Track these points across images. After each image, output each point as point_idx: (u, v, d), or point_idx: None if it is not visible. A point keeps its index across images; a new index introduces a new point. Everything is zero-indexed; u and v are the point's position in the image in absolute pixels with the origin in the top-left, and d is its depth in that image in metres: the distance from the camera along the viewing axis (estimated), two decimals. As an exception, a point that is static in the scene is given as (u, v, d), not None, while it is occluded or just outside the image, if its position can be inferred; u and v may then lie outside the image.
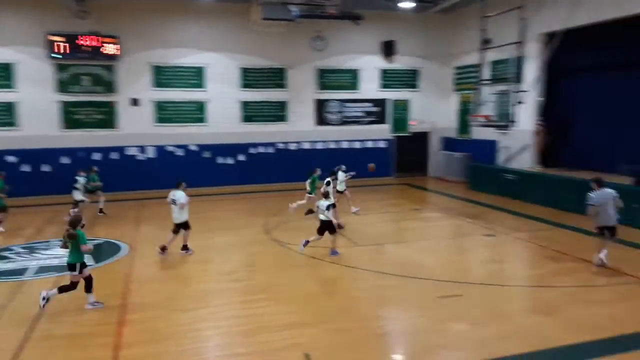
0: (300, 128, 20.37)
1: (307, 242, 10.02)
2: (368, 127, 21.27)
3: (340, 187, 13.49)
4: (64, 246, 7.38)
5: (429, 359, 5.78)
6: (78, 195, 13.32)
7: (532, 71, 15.91)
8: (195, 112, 19.02)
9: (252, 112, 19.71)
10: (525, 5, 12.41)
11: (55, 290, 7.27)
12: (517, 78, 12.84)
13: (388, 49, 20.76)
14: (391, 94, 21.42)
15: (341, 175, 13.55)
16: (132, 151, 18.40)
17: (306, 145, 20.48)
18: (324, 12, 17.39)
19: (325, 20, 18.98)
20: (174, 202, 10.00)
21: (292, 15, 16.80)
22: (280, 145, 20.13)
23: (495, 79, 15.43)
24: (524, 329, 6.52)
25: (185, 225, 10.13)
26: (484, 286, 8.21)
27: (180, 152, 18.91)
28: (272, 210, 14.58)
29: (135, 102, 18.23)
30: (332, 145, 20.82)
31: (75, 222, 7.26)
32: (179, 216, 10.01)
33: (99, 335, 6.47)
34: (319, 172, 13.64)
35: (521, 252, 10.63)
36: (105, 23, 17.49)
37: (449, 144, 21.69)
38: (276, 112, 20.03)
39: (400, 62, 21.28)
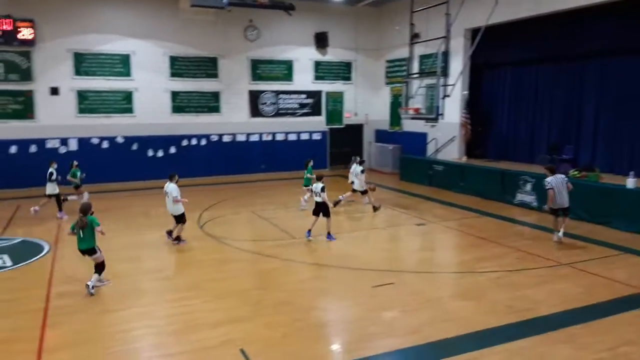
0: (234, 120, 20.03)
1: (309, 230, 10.50)
2: (303, 119, 21.29)
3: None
4: (73, 233, 7.63)
5: (362, 347, 5.87)
6: (54, 189, 12.64)
7: (458, 65, 16.57)
8: (122, 102, 18.15)
9: (183, 103, 19.10)
10: (450, 1, 12.85)
11: (95, 276, 7.59)
12: (444, 72, 13.31)
13: (321, 41, 20.83)
14: (325, 86, 21.55)
15: (354, 167, 13.89)
16: (52, 144, 17.27)
17: (241, 138, 20.19)
18: (255, 1, 17.13)
19: (257, 10, 18.74)
20: (167, 194, 10.12)
21: (222, 2, 16.39)
22: (214, 138, 19.70)
23: (424, 73, 15.92)
24: (453, 313, 6.80)
25: (178, 219, 10.15)
26: (416, 274, 8.48)
27: (105, 145, 18.00)
28: (205, 204, 14.25)
29: (54, 91, 17.11)
30: (268, 138, 20.67)
31: (86, 209, 7.57)
32: (172, 208, 10.09)
33: (20, 341, 6.04)
34: (312, 163, 14.09)
35: (450, 240, 11.09)
36: (19, 5, 16.20)
37: (382, 136, 22.19)
38: (209, 103, 19.54)
39: (333, 55, 21.43)
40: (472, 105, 17.70)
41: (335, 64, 21.60)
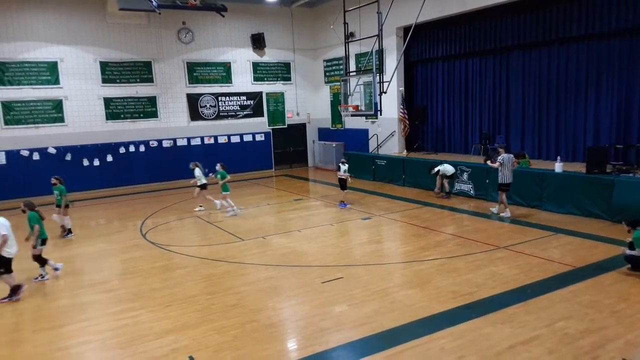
0: (173, 124, 19.58)
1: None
2: (245, 120, 21.12)
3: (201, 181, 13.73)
4: None
5: (314, 344, 5.90)
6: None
7: (392, 62, 16.99)
8: (51, 112, 17.30)
9: (118, 109, 18.44)
10: (380, 0, 13.15)
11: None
12: (379, 69, 13.61)
13: (257, 42, 20.73)
14: (265, 87, 21.48)
15: (197, 171, 13.67)
16: (-22, 158, 16.25)
17: (182, 142, 19.75)
18: (186, 3, 16.79)
19: (189, 12, 18.42)
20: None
21: (151, 5, 15.95)
22: (154, 143, 19.16)
23: (360, 71, 16.21)
24: (399, 303, 6.96)
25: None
26: (363, 266, 8.62)
27: (36, 156, 17.09)
28: (148, 212, 13.83)
29: (-25, 102, 16.07)
30: (210, 141, 20.34)
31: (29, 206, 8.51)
32: None
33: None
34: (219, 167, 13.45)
35: (394, 231, 11.34)
36: None
37: (325, 134, 22.39)
38: (145, 108, 18.97)
39: (271, 56, 21.40)
40: (409, 100, 18.22)
41: (273, 65, 21.56)
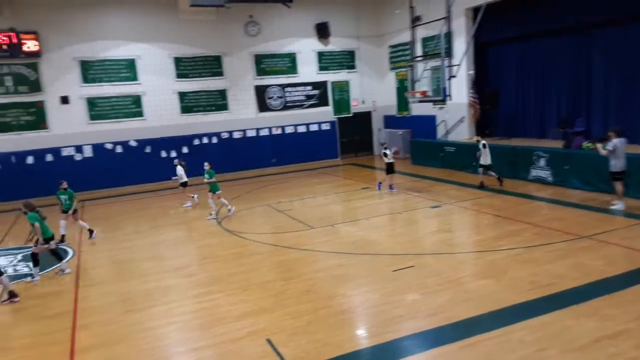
0: (243, 116, 20.13)
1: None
2: (311, 110, 21.31)
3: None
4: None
5: (387, 331, 5.91)
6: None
7: (461, 45, 16.43)
8: (131, 107, 18.34)
9: (191, 103, 19.24)
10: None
11: None
12: (448, 53, 13.22)
13: (322, 31, 20.76)
14: (330, 76, 21.53)
15: (179, 169, 13.99)
16: (67, 152, 17.56)
17: (251, 133, 20.28)
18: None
19: (256, 5, 18.79)
20: None
21: (220, 0, 16.41)
22: (225, 135, 19.82)
23: (428, 55, 15.81)
24: (474, 293, 6.81)
25: None
26: (434, 255, 8.50)
27: (119, 149, 18.23)
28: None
29: (64, 100, 17.33)
30: (277, 131, 20.73)
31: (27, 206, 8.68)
32: None
33: (53, 343, 6.23)
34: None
35: (466, 220, 11.07)
36: (22, 18, 16.43)
37: (391, 121, 22.13)
38: (216, 101, 19.64)
39: (335, 44, 21.37)
40: (479, 84, 17.56)
41: (338, 54, 21.54)
